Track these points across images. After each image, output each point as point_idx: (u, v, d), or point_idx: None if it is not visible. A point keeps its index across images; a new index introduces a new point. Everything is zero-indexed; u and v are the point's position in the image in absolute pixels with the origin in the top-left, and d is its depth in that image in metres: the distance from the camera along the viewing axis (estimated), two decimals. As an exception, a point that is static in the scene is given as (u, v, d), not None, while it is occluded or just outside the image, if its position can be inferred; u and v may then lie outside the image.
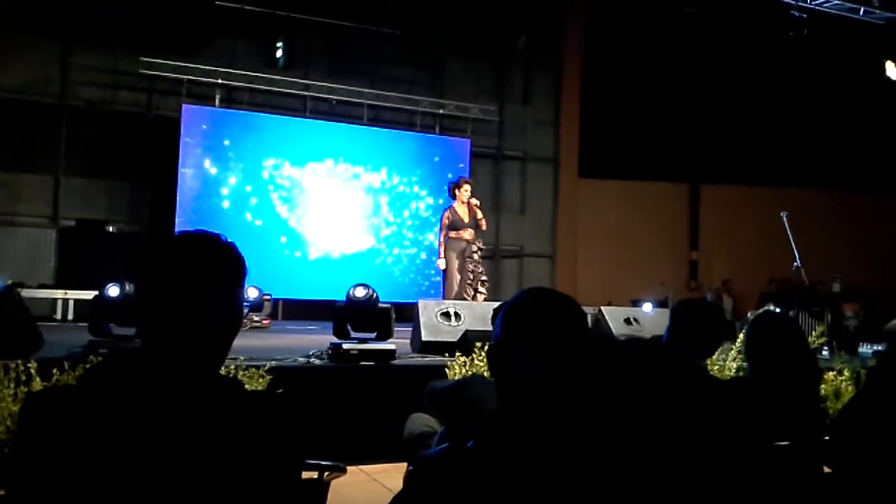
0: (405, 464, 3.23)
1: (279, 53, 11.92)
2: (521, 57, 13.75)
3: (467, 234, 8.30)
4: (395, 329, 5.79)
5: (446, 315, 6.44)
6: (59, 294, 9.87)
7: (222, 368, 1.81)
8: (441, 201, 11.24)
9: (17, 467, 1.34)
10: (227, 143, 11.46)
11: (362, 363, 5.38)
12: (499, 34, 13.28)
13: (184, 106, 11.22)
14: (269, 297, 9.80)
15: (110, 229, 11.01)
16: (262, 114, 11.94)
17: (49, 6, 10.73)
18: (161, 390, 1.37)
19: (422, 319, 6.37)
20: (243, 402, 1.45)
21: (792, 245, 8.04)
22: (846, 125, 13.78)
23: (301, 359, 5.43)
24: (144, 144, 11.36)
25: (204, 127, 11.35)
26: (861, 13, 11.49)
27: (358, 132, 12.35)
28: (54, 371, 3.97)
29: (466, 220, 8.33)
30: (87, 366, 3.38)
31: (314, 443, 1.68)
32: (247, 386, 4.08)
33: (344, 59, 12.56)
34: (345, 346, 5.40)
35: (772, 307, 8.83)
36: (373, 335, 5.58)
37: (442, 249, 8.31)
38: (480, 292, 8.22)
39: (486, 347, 3.31)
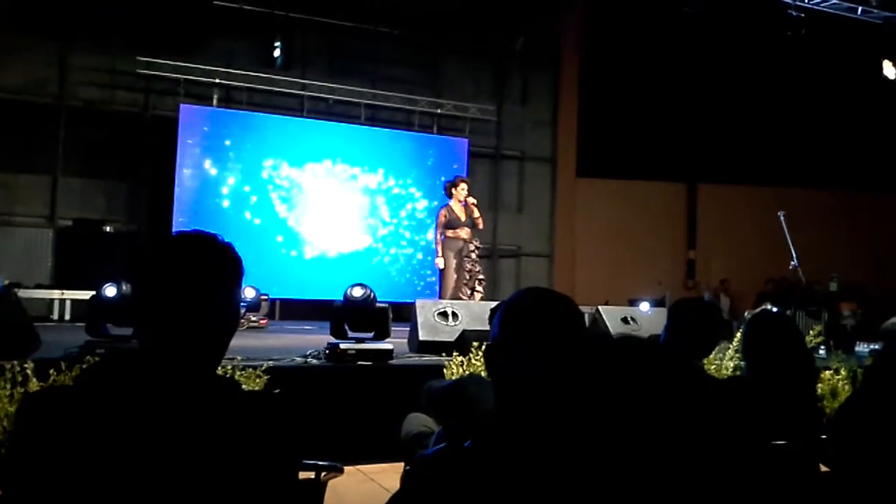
0: (402, 464, 3.23)
1: (277, 53, 11.92)
2: (519, 57, 13.75)
3: (464, 232, 8.30)
4: (393, 329, 5.79)
5: (444, 315, 6.44)
6: (56, 294, 9.85)
7: (219, 368, 1.81)
8: (435, 203, 11.25)
9: (13, 468, 1.33)
10: (225, 143, 11.45)
11: (360, 363, 5.38)
12: (497, 34, 13.28)
13: (181, 106, 11.21)
14: (266, 297, 9.80)
15: (108, 229, 10.99)
16: (260, 113, 11.93)
17: (47, 6, 10.72)
18: (158, 390, 1.37)
19: (419, 319, 6.37)
20: (240, 403, 1.45)
21: (789, 244, 8.05)
22: (844, 124, 13.79)
23: (298, 359, 5.43)
24: (142, 144, 11.35)
25: (202, 127, 11.34)
26: (859, 12, 11.50)
27: (356, 132, 12.34)
28: (51, 371, 3.97)
29: (463, 218, 8.33)
30: (84, 366, 3.38)
31: (311, 443, 1.68)
32: (244, 386, 4.08)
33: (342, 59, 12.55)
34: (342, 345, 5.40)
35: (769, 306, 8.83)
36: (370, 335, 5.58)
37: (440, 248, 8.30)
38: (478, 291, 8.22)
39: (483, 347, 3.32)
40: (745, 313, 9.06)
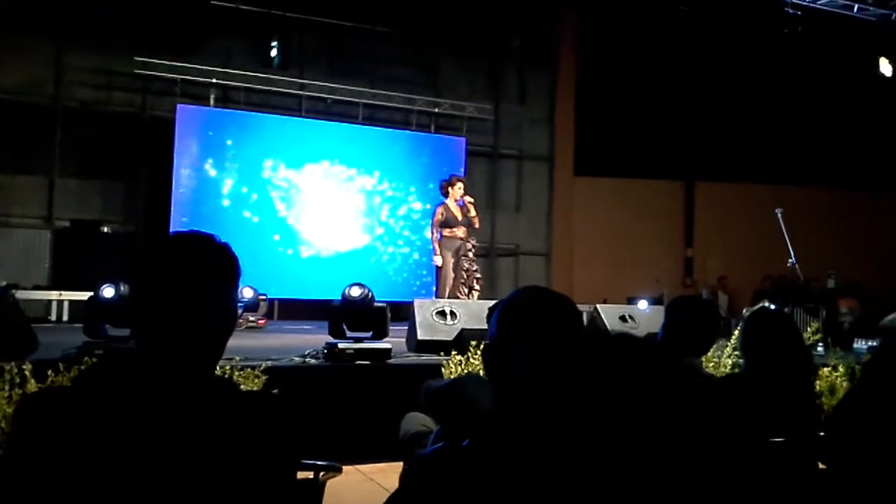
0: (401, 463, 3.23)
1: (274, 53, 11.91)
2: (516, 56, 13.76)
3: (461, 231, 8.30)
4: (390, 328, 5.80)
5: (442, 314, 6.44)
6: (53, 295, 9.84)
7: (218, 369, 1.81)
8: (429, 206, 11.25)
9: (11, 469, 1.33)
10: (222, 143, 11.44)
11: (358, 362, 5.38)
12: (494, 33, 13.28)
13: (178, 106, 11.20)
14: (264, 297, 9.80)
15: (105, 230, 10.98)
16: (258, 113, 11.92)
17: (43, 7, 10.70)
18: (156, 391, 1.37)
19: (417, 318, 6.37)
20: (238, 403, 1.45)
21: (787, 242, 8.06)
22: (842, 122, 13.81)
23: (297, 358, 5.43)
24: (139, 145, 11.33)
25: (199, 127, 11.33)
26: (855, 10, 11.51)
27: (354, 131, 12.34)
28: (49, 373, 3.96)
29: (459, 217, 8.33)
30: (83, 367, 3.38)
31: (310, 442, 1.68)
32: (242, 386, 4.08)
33: (339, 59, 12.54)
34: (340, 345, 5.41)
35: (766, 304, 8.85)
36: (368, 334, 5.58)
37: (437, 247, 8.29)
38: (475, 290, 8.22)
39: (482, 346, 3.31)
40: (744, 311, 9.07)
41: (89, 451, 1.29)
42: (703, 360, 4.20)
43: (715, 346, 3.90)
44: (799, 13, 11.04)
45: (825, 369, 5.56)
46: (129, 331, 1.56)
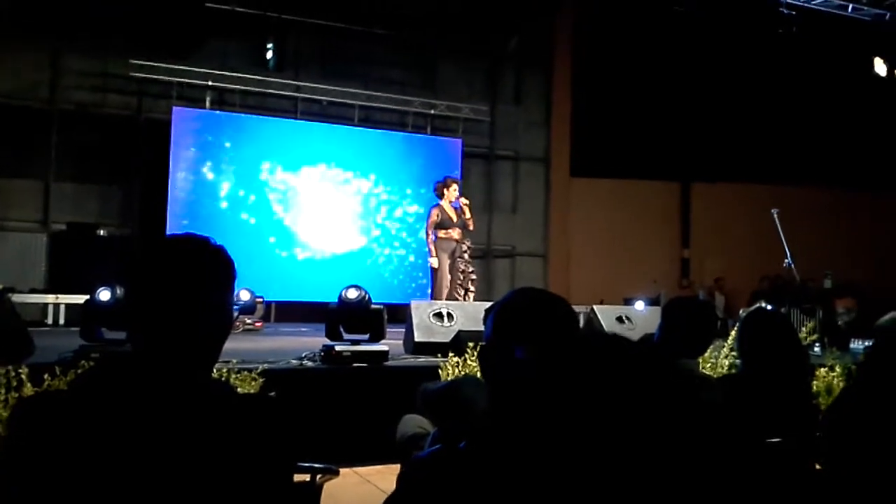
0: (398, 465, 3.23)
1: (270, 55, 11.90)
2: (512, 57, 13.77)
3: (456, 233, 8.30)
4: (387, 330, 5.79)
5: (439, 316, 6.44)
6: (50, 299, 9.82)
7: (215, 371, 1.81)
8: (422, 210, 11.26)
9: (7, 473, 1.33)
10: (217, 145, 11.43)
11: (355, 365, 5.38)
12: (490, 35, 13.29)
13: (174, 108, 11.18)
14: (261, 300, 9.78)
15: (101, 233, 10.96)
16: (254, 116, 11.92)
17: (38, 10, 10.69)
18: (152, 394, 1.37)
19: (414, 320, 6.37)
20: (235, 406, 1.44)
21: (783, 242, 8.07)
22: (838, 122, 13.83)
23: (294, 361, 5.43)
24: (135, 148, 11.31)
25: (194, 129, 11.32)
26: (849, 10, 11.55)
27: (350, 133, 12.34)
28: (46, 376, 3.95)
29: (455, 219, 8.33)
30: (79, 371, 3.37)
31: (307, 445, 1.68)
32: (239, 389, 4.08)
33: (335, 61, 12.54)
34: (337, 347, 5.41)
35: (763, 304, 8.86)
36: (365, 337, 5.58)
37: (433, 248, 8.29)
38: (471, 291, 8.23)
39: (478, 348, 3.31)
40: (740, 311, 9.09)
41: (85, 455, 1.29)
42: (700, 360, 4.20)
43: (712, 346, 3.91)
44: (793, 13, 11.07)
45: (822, 369, 5.57)
46: (126, 334, 1.56)
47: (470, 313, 6.44)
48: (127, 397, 1.35)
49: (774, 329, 2.94)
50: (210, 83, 11.54)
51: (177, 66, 11.22)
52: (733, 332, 4.44)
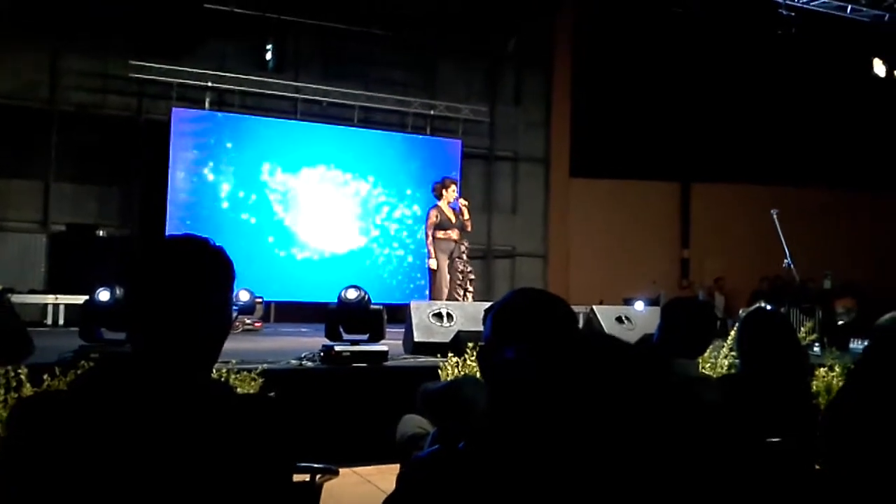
0: (398, 466, 3.23)
1: (269, 56, 11.90)
2: (511, 58, 13.76)
3: (454, 234, 8.31)
4: (386, 330, 5.80)
5: (438, 316, 6.45)
6: (49, 299, 9.82)
7: (214, 372, 1.81)
8: (421, 211, 11.25)
9: (6, 473, 1.33)
10: (217, 146, 11.43)
11: (354, 365, 5.38)
12: (489, 36, 13.29)
13: (173, 109, 11.18)
14: (260, 300, 9.78)
15: (101, 234, 10.95)
16: (253, 116, 11.91)
17: (38, 11, 10.69)
18: (151, 395, 1.37)
19: (414, 320, 6.37)
20: (234, 406, 1.45)
21: (783, 243, 8.08)
22: (838, 122, 13.84)
23: (293, 361, 5.44)
24: (134, 148, 11.31)
25: (194, 130, 11.32)
26: (848, 11, 11.56)
27: (349, 134, 12.34)
28: (45, 377, 3.95)
29: (453, 220, 8.33)
30: (79, 371, 3.37)
31: (306, 445, 1.68)
32: (239, 389, 4.08)
33: (334, 62, 12.54)
34: (337, 347, 5.41)
35: (763, 304, 8.86)
36: (365, 337, 5.58)
37: (432, 249, 8.28)
38: (469, 291, 8.23)
39: (477, 348, 3.31)
40: (740, 311, 9.09)
41: (85, 456, 1.29)
42: (700, 360, 4.20)
43: (711, 346, 3.91)
44: (793, 14, 11.07)
45: (821, 369, 5.57)
46: (125, 334, 1.56)
47: (469, 313, 6.45)
48: (127, 398, 1.35)
49: (774, 329, 2.94)
50: (210, 84, 11.55)
51: (176, 67, 11.23)
52: (733, 333, 4.44)
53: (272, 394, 4.19)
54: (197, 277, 1.45)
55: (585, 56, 14.06)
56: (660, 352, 2.94)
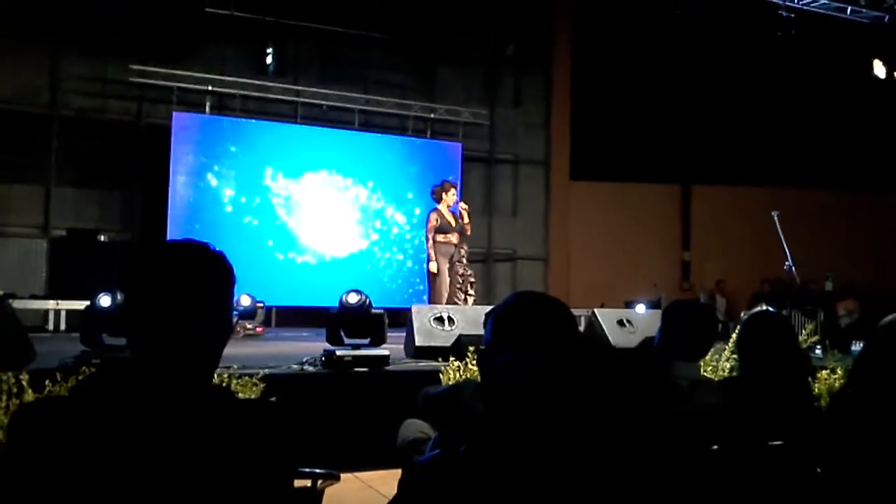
0: (399, 470, 3.23)
1: (269, 60, 11.91)
2: (511, 61, 13.77)
3: (454, 237, 8.30)
4: (388, 334, 5.80)
5: (440, 320, 6.44)
6: (50, 305, 9.81)
7: (216, 377, 1.81)
8: (419, 213, 11.25)
9: (7, 479, 1.33)
10: (218, 150, 11.44)
11: (356, 369, 5.37)
12: (489, 39, 13.31)
13: (174, 113, 11.19)
14: (262, 305, 9.78)
15: (102, 238, 10.95)
16: (254, 120, 11.92)
17: (38, 15, 10.70)
18: (152, 400, 1.37)
19: (415, 324, 6.37)
20: (235, 411, 1.44)
21: (783, 245, 8.07)
22: (839, 124, 13.84)
23: (294, 366, 5.43)
24: (135, 153, 11.32)
25: (195, 134, 11.33)
26: (848, 12, 11.56)
27: (349, 138, 12.35)
28: (47, 382, 3.95)
29: (453, 223, 8.33)
30: (80, 377, 3.37)
31: (308, 450, 1.67)
32: (240, 394, 4.07)
33: (334, 65, 12.55)
34: (338, 352, 5.40)
35: (763, 306, 8.85)
36: (366, 341, 5.58)
37: (432, 252, 8.28)
38: (470, 295, 8.23)
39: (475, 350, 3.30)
40: (741, 314, 9.08)
41: (86, 462, 1.29)
42: (702, 363, 4.19)
43: (713, 349, 3.90)
44: (792, 16, 11.07)
45: (823, 372, 5.56)
46: (126, 340, 1.56)
47: (471, 317, 6.44)
48: (127, 403, 1.35)
49: (773, 331, 2.94)
50: (210, 88, 11.56)
51: (177, 72, 11.24)
52: (734, 335, 4.44)
53: (273, 398, 4.20)
54: (196, 282, 1.45)
55: (585, 58, 14.08)
56: (661, 355, 2.94)
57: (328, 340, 5.59)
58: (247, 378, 4.51)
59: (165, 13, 10.92)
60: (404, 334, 6.73)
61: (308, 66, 12.48)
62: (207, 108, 11.70)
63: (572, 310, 1.67)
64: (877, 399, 2.25)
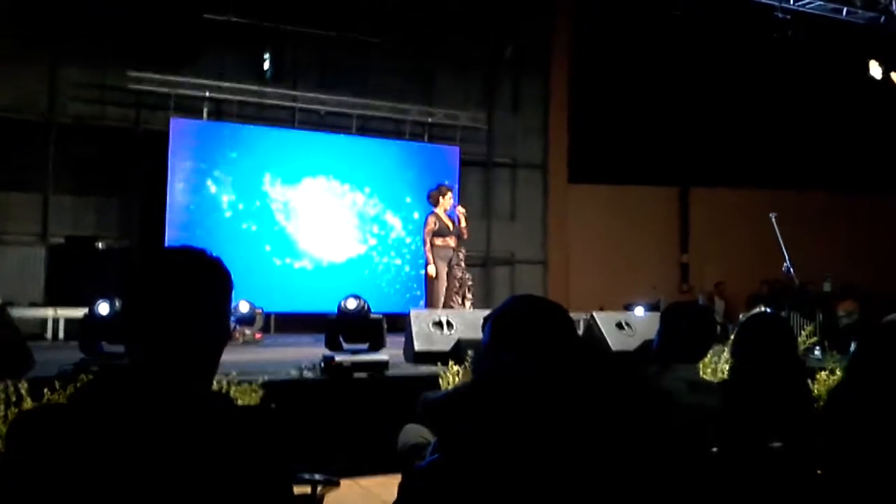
0: (400, 475, 3.22)
1: (267, 65, 11.92)
2: (509, 64, 13.78)
3: (452, 241, 8.31)
4: (387, 339, 5.79)
5: (438, 324, 6.44)
6: (49, 312, 9.77)
7: (215, 384, 1.81)
8: (417, 218, 11.25)
9: (5, 487, 1.32)
10: (216, 156, 11.43)
11: (355, 375, 5.37)
12: (487, 42, 13.32)
13: (172, 120, 11.18)
14: (260, 311, 9.77)
15: (100, 246, 10.93)
16: (252, 126, 11.92)
17: (35, 23, 10.70)
18: (151, 407, 1.36)
19: (414, 329, 6.37)
20: (234, 418, 1.44)
21: (782, 246, 8.08)
22: (837, 125, 13.86)
23: (294, 372, 5.42)
24: (133, 159, 11.31)
25: (193, 140, 11.32)
26: (844, 14, 11.58)
27: (347, 142, 12.35)
28: (45, 390, 3.95)
29: (451, 227, 8.34)
30: (79, 385, 3.36)
31: (307, 456, 1.67)
32: (239, 401, 4.07)
33: (332, 70, 12.55)
34: (337, 358, 5.40)
35: (762, 308, 8.85)
36: (365, 346, 5.57)
37: (430, 256, 8.28)
38: (468, 299, 8.23)
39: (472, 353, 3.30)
40: (740, 315, 9.08)
41: (85, 469, 1.29)
42: (701, 365, 4.20)
43: (712, 351, 3.91)
44: (788, 17, 11.09)
45: (822, 373, 5.56)
46: (124, 347, 1.56)
47: (469, 321, 6.43)
48: (126, 410, 1.35)
49: (770, 332, 2.94)
50: (208, 94, 11.55)
51: (174, 78, 11.23)
52: (733, 337, 4.44)
53: (273, 405, 4.19)
54: (194, 288, 1.45)
55: (583, 61, 14.09)
56: (660, 357, 2.94)
57: (327, 346, 5.58)
58: (246, 384, 4.51)
59: (163, 20, 10.92)
60: (403, 339, 6.73)
61: (306, 72, 12.49)
62: (205, 115, 11.69)
63: (571, 313, 1.67)
64: (873, 396, 2.25)
